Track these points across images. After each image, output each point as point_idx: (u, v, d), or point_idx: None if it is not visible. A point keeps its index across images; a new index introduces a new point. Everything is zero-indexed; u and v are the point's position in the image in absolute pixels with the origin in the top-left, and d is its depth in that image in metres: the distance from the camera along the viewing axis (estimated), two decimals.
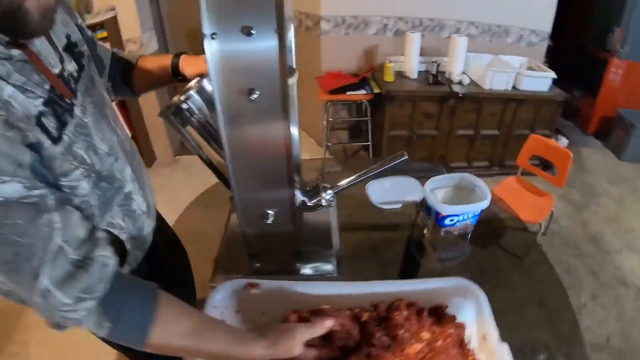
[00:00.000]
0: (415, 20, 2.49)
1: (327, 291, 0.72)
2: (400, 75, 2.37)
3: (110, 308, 0.50)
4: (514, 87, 2.35)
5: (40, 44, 0.54)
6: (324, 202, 0.83)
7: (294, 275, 0.88)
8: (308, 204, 0.83)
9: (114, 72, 0.85)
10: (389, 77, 2.31)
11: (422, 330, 0.70)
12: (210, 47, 0.53)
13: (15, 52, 0.48)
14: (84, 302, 0.48)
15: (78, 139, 0.56)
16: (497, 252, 1.10)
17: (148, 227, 0.77)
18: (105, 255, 0.51)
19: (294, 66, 0.88)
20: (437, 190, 1.10)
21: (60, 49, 0.58)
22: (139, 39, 2.32)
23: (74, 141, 0.55)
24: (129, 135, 0.81)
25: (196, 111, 0.72)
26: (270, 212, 0.73)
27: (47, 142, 0.50)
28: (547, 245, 2.06)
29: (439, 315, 0.72)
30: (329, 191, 0.83)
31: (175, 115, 0.71)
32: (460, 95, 2.25)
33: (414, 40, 2.27)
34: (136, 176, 0.73)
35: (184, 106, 0.71)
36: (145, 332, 0.51)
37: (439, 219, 1.01)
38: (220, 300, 0.69)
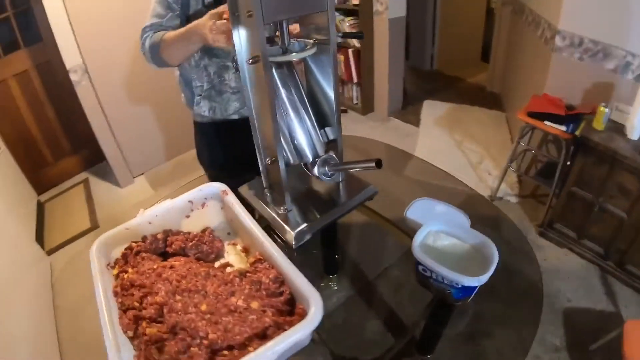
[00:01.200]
0: None
1: None
2: (616, 128, 1.84)
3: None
4: None
5: None
6: (316, 173, 0.93)
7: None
8: (292, 163, 0.94)
9: None
10: (598, 124, 1.84)
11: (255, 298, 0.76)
12: None
13: None
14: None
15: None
16: None
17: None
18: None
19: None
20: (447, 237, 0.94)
21: None
22: None
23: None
24: None
25: None
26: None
27: None
28: None
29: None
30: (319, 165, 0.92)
31: None
32: None
33: None
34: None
35: None
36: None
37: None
38: None
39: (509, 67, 3.33)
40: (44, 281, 2.39)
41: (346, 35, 1.12)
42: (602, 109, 1.80)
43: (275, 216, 0.98)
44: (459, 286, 0.82)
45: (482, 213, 1.35)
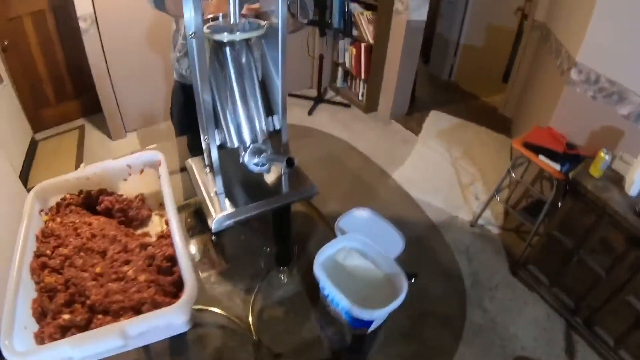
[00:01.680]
0: None
1: None
2: (614, 178, 1.70)
3: None
4: None
5: None
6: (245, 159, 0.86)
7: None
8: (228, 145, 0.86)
9: None
10: (595, 170, 1.69)
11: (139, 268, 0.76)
12: None
13: None
14: None
15: None
16: None
17: None
18: None
19: None
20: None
21: None
22: None
23: None
24: None
25: None
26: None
27: None
28: None
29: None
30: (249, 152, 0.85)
31: None
32: None
33: None
34: None
35: None
36: None
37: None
38: None
39: (525, 93, 3.18)
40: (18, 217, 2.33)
41: (310, 22, 1.00)
42: (602, 154, 1.66)
43: (206, 196, 0.93)
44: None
45: (426, 235, 1.23)
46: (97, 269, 0.76)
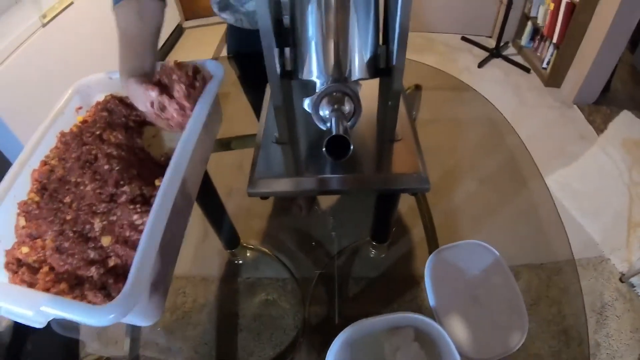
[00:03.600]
0: None
1: None
2: None
3: None
4: None
5: None
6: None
7: None
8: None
9: None
10: None
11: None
12: None
13: None
14: None
15: None
16: None
17: None
18: None
19: None
20: None
21: None
22: None
23: None
24: None
25: None
26: None
27: None
28: None
29: None
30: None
31: None
32: None
33: None
34: None
35: None
36: None
37: None
38: None
39: None
40: None
41: None
42: None
43: (262, 140, 0.65)
44: None
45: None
46: (72, 206, 0.59)
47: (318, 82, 0.51)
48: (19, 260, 0.55)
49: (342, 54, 0.50)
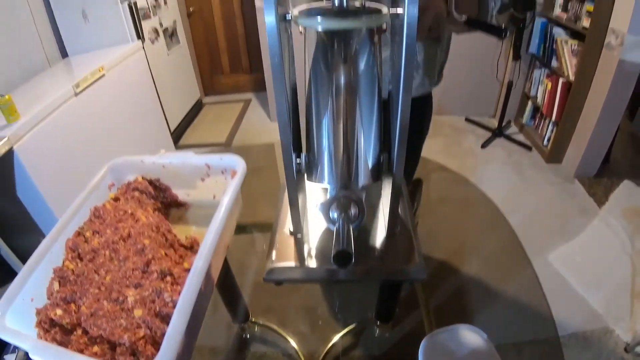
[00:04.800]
0: None
1: None
2: None
3: None
4: None
5: None
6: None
7: None
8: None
9: None
10: None
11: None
12: None
13: None
14: None
15: None
16: None
17: None
18: None
19: None
20: None
21: None
22: None
23: None
24: None
25: None
26: None
27: None
28: None
29: None
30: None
31: None
32: None
33: None
34: None
35: None
36: None
37: None
38: None
39: None
40: None
41: (473, 22, 0.66)
42: None
43: (278, 228, 0.73)
44: None
45: None
46: (107, 278, 0.66)
47: (329, 187, 0.60)
48: (52, 320, 0.61)
49: (350, 165, 0.58)
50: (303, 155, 0.63)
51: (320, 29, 0.54)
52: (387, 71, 0.82)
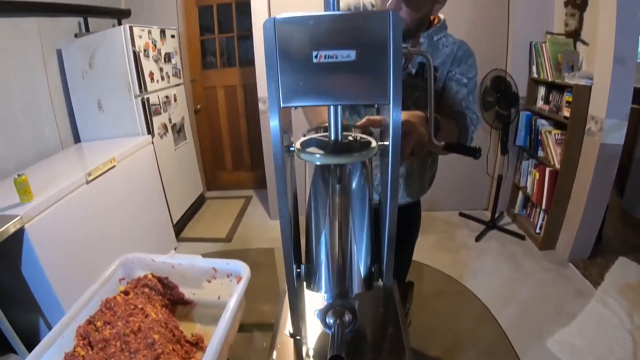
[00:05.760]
0: None
1: None
2: None
3: None
4: None
5: None
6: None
7: None
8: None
9: None
10: None
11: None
12: None
13: None
14: None
15: None
16: None
17: None
18: None
19: None
20: None
21: None
22: None
23: None
24: None
25: None
26: None
27: None
28: None
29: None
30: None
31: None
32: None
33: None
34: None
35: None
36: None
37: None
38: None
39: None
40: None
41: (451, 146, 0.77)
42: None
43: (280, 329, 0.79)
44: None
45: None
46: None
47: (326, 296, 0.67)
48: None
49: (345, 276, 0.66)
50: (303, 267, 0.71)
51: (318, 163, 0.64)
52: (377, 173, 0.91)
